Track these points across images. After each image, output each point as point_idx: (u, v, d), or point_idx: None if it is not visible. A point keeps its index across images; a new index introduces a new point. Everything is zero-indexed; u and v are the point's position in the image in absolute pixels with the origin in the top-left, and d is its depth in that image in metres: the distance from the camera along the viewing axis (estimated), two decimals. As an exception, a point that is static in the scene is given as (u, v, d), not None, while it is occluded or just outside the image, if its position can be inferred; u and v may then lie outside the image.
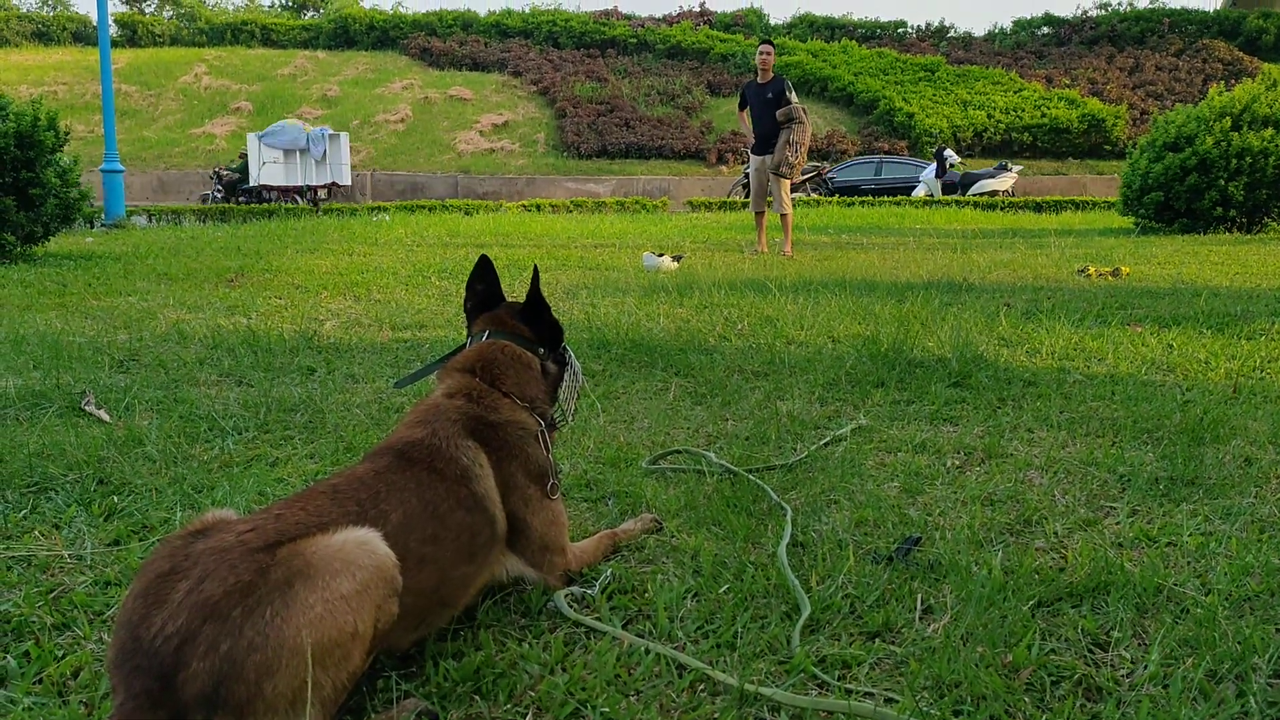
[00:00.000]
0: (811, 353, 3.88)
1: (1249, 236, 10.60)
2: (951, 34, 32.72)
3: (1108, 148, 25.31)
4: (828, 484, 2.29)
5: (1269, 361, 3.80)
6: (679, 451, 2.57)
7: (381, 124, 28.75)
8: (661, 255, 7.67)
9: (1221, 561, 1.83)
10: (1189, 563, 1.83)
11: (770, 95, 8.91)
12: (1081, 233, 11.52)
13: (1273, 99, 11.10)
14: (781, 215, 9.02)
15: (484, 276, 1.87)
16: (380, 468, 1.51)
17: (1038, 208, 16.28)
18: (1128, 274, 6.90)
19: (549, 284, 6.51)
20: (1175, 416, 2.87)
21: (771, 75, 9.03)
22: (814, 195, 17.99)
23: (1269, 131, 10.61)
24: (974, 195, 17.71)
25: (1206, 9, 33.88)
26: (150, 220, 15.05)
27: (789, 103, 8.80)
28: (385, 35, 34.00)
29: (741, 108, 9.33)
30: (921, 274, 6.91)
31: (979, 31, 33.72)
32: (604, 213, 16.42)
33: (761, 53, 9.04)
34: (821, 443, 2.63)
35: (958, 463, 2.48)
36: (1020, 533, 2.00)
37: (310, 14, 53.03)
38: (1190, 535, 1.96)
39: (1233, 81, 28.36)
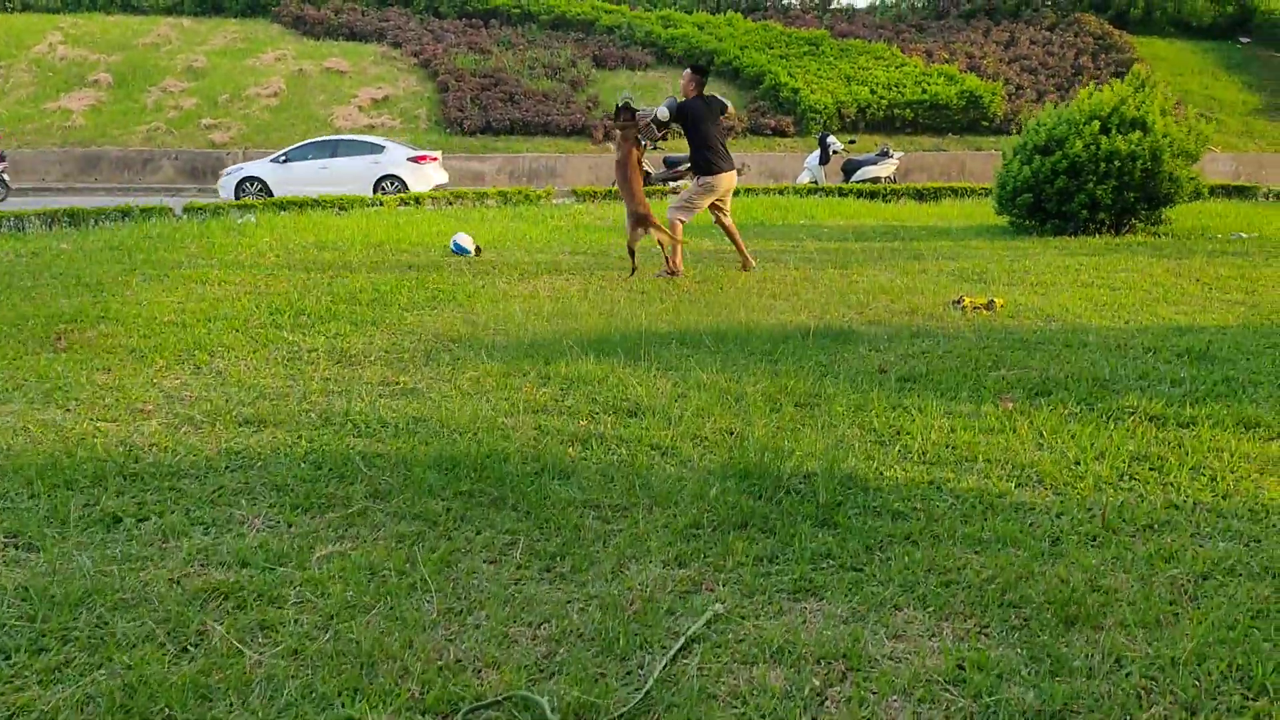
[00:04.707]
0: (676, 468, 3.66)
1: (1117, 239, 10.83)
2: (835, 5, 32.80)
3: (985, 124, 25.82)
4: (673, 732, 2.06)
5: (1135, 461, 3.74)
6: (506, 699, 2.25)
7: (253, 98, 27.42)
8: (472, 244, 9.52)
9: None
10: None
11: (718, 109, 8.58)
12: (958, 234, 11.60)
13: (1140, 100, 11.32)
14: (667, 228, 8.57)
15: None
16: None
17: (919, 195, 16.42)
18: (1001, 306, 6.89)
19: (415, 334, 6.15)
20: (1045, 579, 2.74)
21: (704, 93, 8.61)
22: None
23: (1136, 135, 10.81)
24: (856, 183, 17.77)
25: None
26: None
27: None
28: (256, 2, 32.34)
29: (681, 122, 8.46)
30: (802, 313, 6.76)
31: (861, 3, 33.89)
32: (485, 205, 15.92)
33: (693, 81, 8.55)
34: (670, 653, 2.40)
35: (817, 683, 2.28)
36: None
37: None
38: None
39: (1102, 56, 29.30)
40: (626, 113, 8.55)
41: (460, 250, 9.99)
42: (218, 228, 12.09)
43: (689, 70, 8.73)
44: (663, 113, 8.42)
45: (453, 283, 8.08)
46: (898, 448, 3.89)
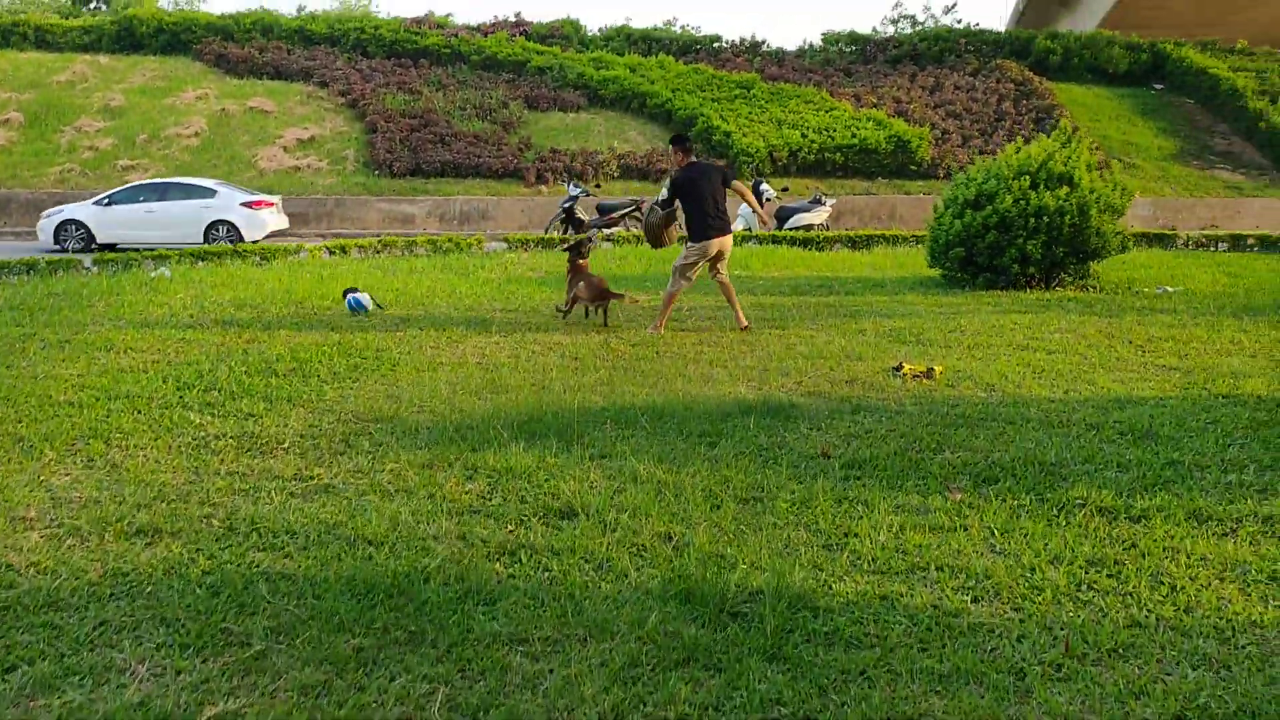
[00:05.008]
0: (613, 586, 3.39)
1: (1048, 293, 10.89)
2: (765, 49, 33.13)
3: (913, 168, 26.16)
4: None
5: (1092, 566, 3.57)
6: None
7: (173, 138, 26.68)
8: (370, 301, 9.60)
9: None
10: None
11: (714, 174, 8.60)
12: (893, 287, 11.58)
13: (1066, 156, 11.45)
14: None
15: None
16: None
17: (852, 243, 16.48)
18: (941, 374, 6.77)
19: (334, 412, 5.80)
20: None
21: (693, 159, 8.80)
22: (633, 231, 17.65)
23: (1064, 190, 10.91)
24: (789, 230, 17.79)
25: (999, 29, 35.70)
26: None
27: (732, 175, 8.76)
28: (176, 39, 31.58)
29: (677, 193, 8.62)
30: (741, 383, 6.56)
31: (791, 46, 34.31)
32: (414, 254, 15.55)
33: (676, 152, 8.83)
34: None
35: None
36: None
37: (95, 4, 48.98)
38: None
39: (1024, 102, 29.98)
40: (578, 251, 9.26)
41: (358, 307, 9.65)
42: (129, 283, 11.55)
43: (670, 144, 9.05)
44: (664, 194, 8.78)
45: (377, 349, 7.73)
46: (846, 554, 3.68)
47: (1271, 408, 5.70)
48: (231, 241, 18.13)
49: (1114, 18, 39.83)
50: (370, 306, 9.72)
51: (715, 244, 8.52)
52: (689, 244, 8.60)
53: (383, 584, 3.34)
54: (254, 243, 17.85)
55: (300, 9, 34.94)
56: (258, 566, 3.57)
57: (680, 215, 8.85)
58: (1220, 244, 16.66)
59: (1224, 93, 29.13)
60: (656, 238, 8.91)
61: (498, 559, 3.63)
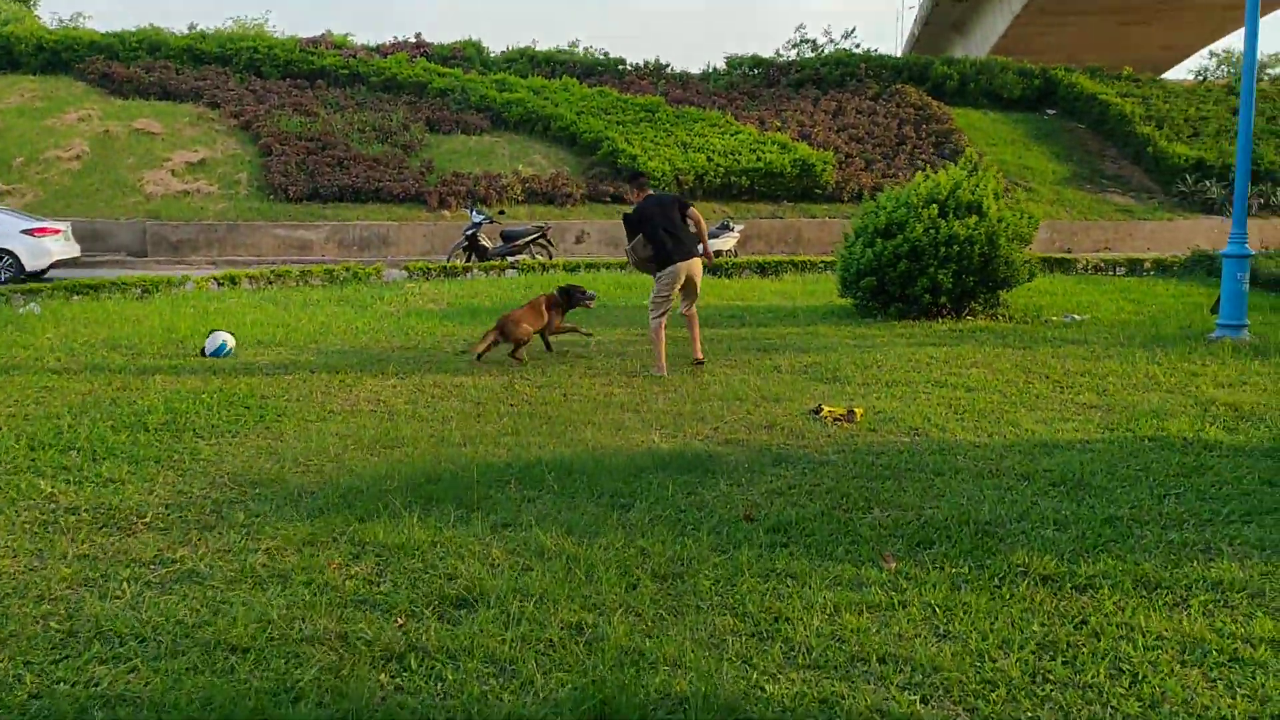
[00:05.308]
0: (515, 699, 2.95)
1: (959, 323, 10.81)
2: (669, 72, 33.07)
3: (818, 191, 26.33)
4: None
5: (1043, 651, 3.27)
6: None
7: (52, 161, 25.29)
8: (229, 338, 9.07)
9: None
10: None
11: (670, 204, 8.45)
12: (805, 318, 11.38)
13: (974, 184, 11.43)
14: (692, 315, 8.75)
15: None
16: None
17: (761, 270, 16.33)
18: (861, 416, 6.51)
19: (208, 474, 5.22)
20: None
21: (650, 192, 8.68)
22: (538, 258, 17.21)
23: (973, 219, 10.87)
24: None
25: (896, 55, 36.42)
26: None
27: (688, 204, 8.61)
28: (57, 58, 30.01)
29: (638, 227, 8.39)
30: (654, 430, 6.17)
31: (695, 69, 34.32)
32: (310, 285, 14.83)
33: (633, 188, 8.95)
34: None
35: None
36: None
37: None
38: None
39: (923, 126, 30.51)
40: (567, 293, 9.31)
41: (222, 352, 8.95)
42: (-8, 320, 10.66)
43: (627, 183, 9.32)
44: (630, 233, 8.55)
45: (262, 396, 7.14)
46: (778, 643, 3.31)
47: (1199, 451, 5.56)
48: (13, 272, 16.91)
49: (1005, 44, 41.11)
50: (232, 344, 9.15)
51: (682, 267, 8.35)
52: (657, 274, 8.42)
53: (243, 708, 2.84)
54: (39, 273, 16.74)
55: (191, 27, 33.49)
56: (96, 686, 3.03)
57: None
58: (1118, 268, 17.00)
59: (1113, 118, 30.09)
60: (648, 270, 8.63)
61: (383, 666, 3.16)
